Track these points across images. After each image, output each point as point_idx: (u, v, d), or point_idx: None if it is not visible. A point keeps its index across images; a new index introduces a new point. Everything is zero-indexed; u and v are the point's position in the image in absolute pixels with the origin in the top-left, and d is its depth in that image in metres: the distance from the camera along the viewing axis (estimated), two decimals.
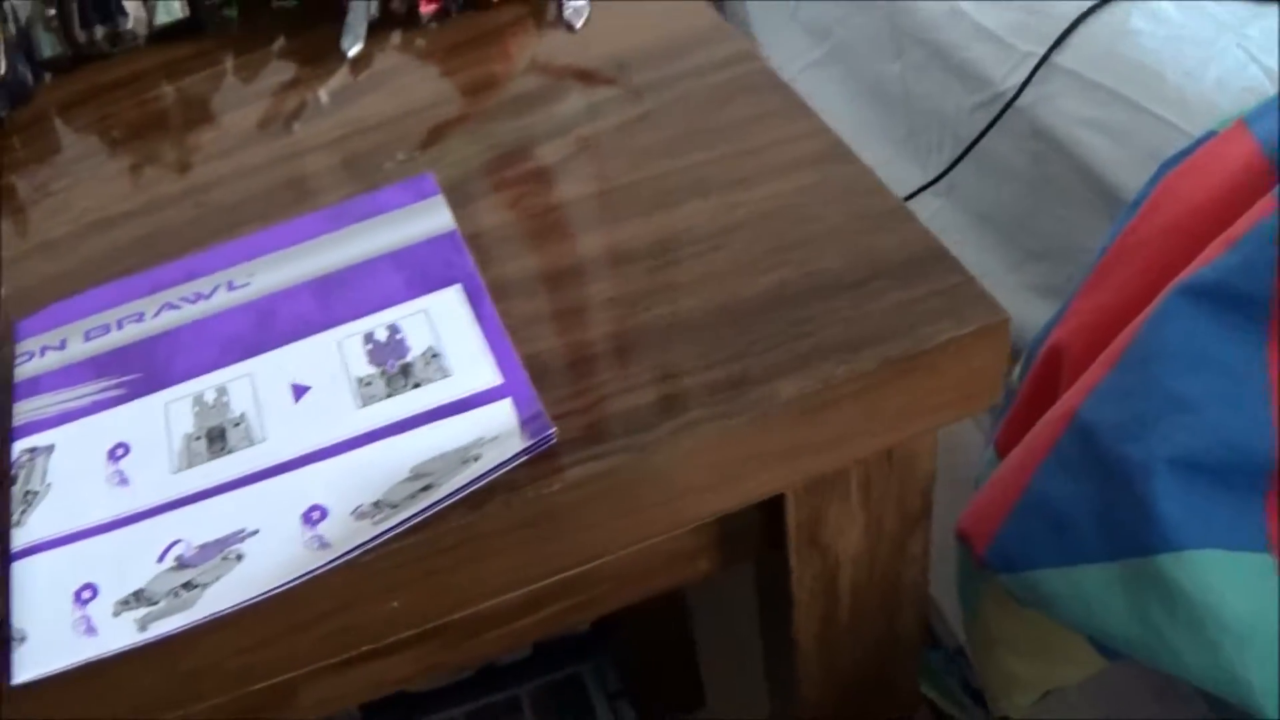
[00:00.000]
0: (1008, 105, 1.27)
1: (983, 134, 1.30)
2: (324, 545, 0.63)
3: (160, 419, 0.72)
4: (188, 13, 1.05)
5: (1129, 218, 1.08)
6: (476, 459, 0.65)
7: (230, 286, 0.79)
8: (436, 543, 0.65)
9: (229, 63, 1.03)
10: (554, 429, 0.66)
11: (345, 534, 0.64)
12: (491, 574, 0.68)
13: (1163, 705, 0.99)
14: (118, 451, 0.71)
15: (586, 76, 0.93)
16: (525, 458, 0.66)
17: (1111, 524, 0.93)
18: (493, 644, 0.78)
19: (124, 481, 0.69)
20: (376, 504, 0.65)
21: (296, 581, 0.63)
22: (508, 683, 1.77)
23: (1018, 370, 1.11)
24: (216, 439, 0.70)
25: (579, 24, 0.98)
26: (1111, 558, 0.93)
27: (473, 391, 0.70)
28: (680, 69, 0.93)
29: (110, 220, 0.89)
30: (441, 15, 1.01)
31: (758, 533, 0.81)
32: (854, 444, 0.73)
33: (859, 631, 0.90)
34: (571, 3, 0.99)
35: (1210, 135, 1.08)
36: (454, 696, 1.76)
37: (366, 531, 0.63)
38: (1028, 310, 1.30)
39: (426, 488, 0.65)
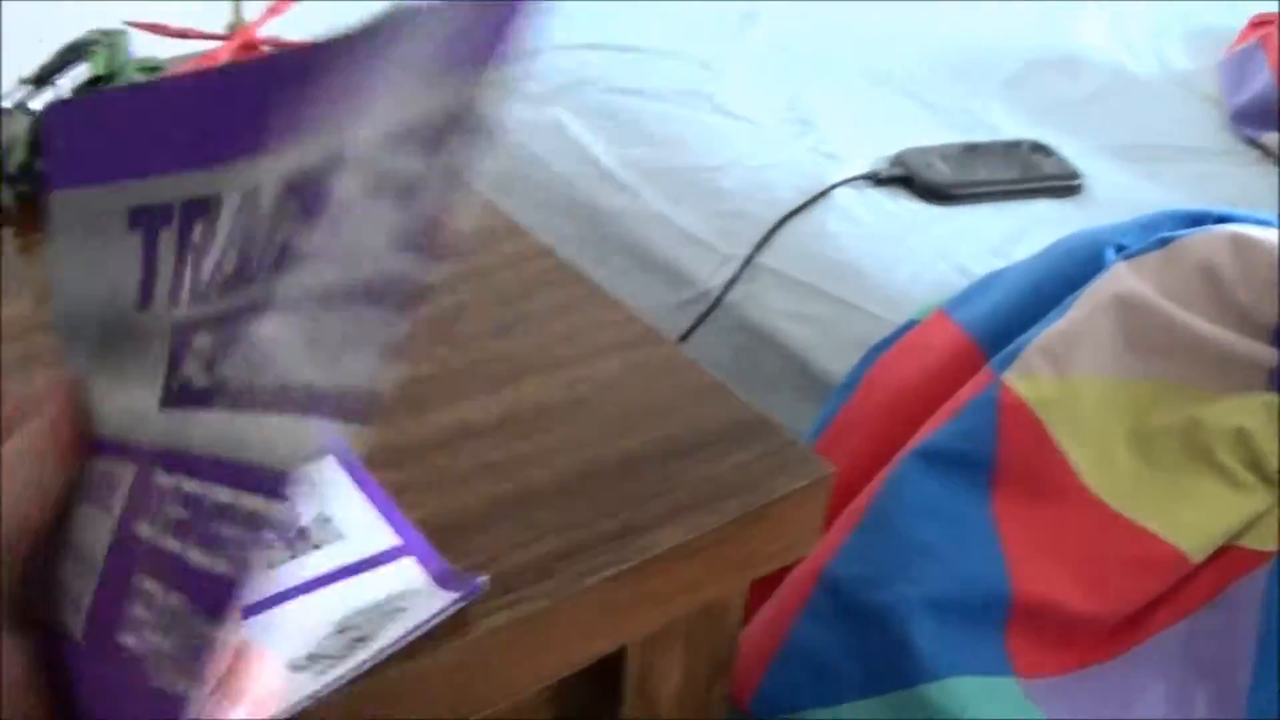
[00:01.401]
0: (715, 302, 1.38)
1: (691, 330, 1.40)
2: None
3: None
4: None
5: (843, 399, 1.21)
6: (403, 611, 0.72)
7: None
8: (376, 689, 0.69)
9: (7, 245, 1.05)
10: (483, 579, 0.73)
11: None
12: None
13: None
14: None
15: None
16: (456, 608, 0.72)
17: (872, 663, 1.04)
18: None
19: None
20: (310, 656, 0.68)
21: None
22: None
23: None
24: None
25: None
26: (876, 693, 1.04)
27: (375, 551, 0.75)
28: (486, 263, 1.01)
29: None
30: None
31: (588, 684, 0.86)
32: (702, 592, 0.82)
33: None
34: None
35: (912, 324, 1.23)
36: None
37: (310, 683, 0.67)
38: None
39: (361, 639, 0.70)
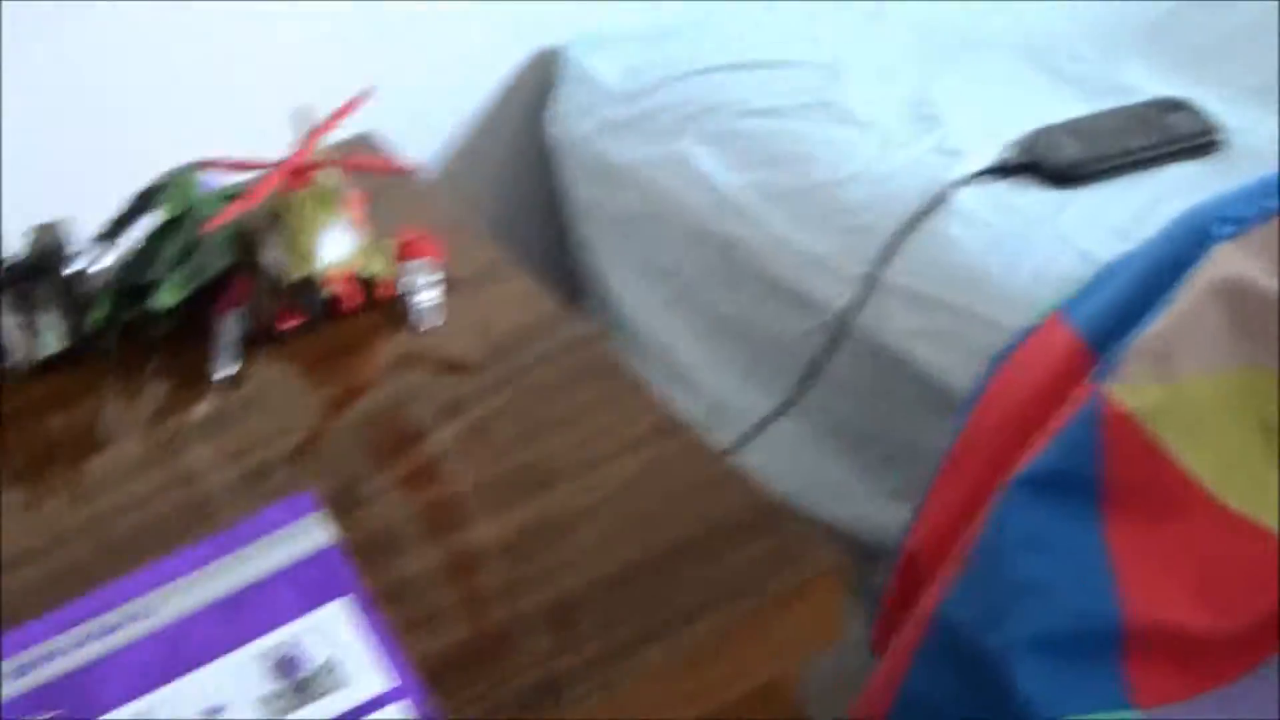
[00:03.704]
0: (841, 328, 1.34)
1: (821, 358, 1.37)
2: None
3: None
4: (67, 344, 1.11)
5: (964, 417, 1.16)
6: None
7: (137, 617, 0.84)
8: None
9: (111, 390, 1.08)
10: None
11: None
12: None
13: None
14: None
15: (452, 369, 1.01)
16: None
17: (984, 711, 0.99)
18: None
19: None
20: None
21: None
22: None
23: (880, 575, 1.17)
24: None
25: (429, 323, 1.06)
26: None
27: (372, 696, 0.76)
28: (529, 357, 1.02)
29: (17, 559, 0.93)
30: (303, 330, 1.08)
31: None
32: (724, 691, 0.80)
33: None
34: (420, 305, 1.07)
35: (1031, 329, 1.16)
36: None
37: None
38: (883, 515, 1.37)
39: None
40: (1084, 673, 0.98)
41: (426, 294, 1.08)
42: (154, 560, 0.88)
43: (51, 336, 1.10)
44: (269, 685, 0.78)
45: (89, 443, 1.03)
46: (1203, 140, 1.38)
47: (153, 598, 0.86)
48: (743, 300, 1.50)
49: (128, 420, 1.05)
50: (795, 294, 1.42)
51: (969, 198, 1.35)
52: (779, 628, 0.80)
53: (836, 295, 1.37)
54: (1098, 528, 1.00)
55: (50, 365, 1.11)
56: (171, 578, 0.87)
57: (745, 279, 1.48)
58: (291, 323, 1.07)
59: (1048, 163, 1.36)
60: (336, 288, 1.07)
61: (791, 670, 0.87)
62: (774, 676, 0.85)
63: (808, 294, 1.40)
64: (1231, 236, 1.06)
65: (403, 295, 1.09)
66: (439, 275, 1.09)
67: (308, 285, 1.06)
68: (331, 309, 1.08)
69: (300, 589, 0.84)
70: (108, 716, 0.79)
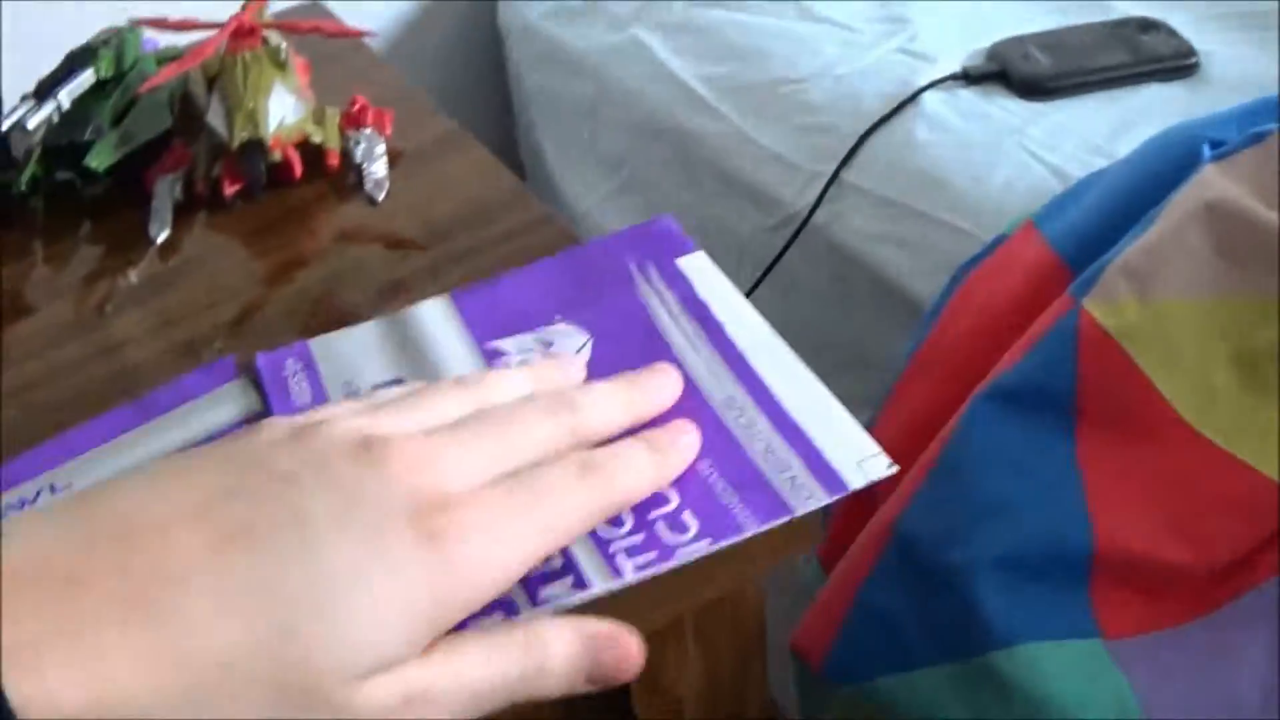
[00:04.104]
0: (801, 226, 1.31)
1: (779, 256, 1.33)
2: None
3: None
4: None
5: (929, 325, 1.12)
6: None
7: (52, 489, 0.79)
8: None
9: (38, 254, 1.02)
10: None
11: None
12: None
13: None
14: None
15: (399, 246, 0.95)
16: None
17: (941, 628, 0.96)
18: None
19: None
20: None
21: None
22: None
23: None
24: None
25: (380, 196, 1.00)
26: (945, 660, 0.96)
27: None
28: (488, 235, 0.94)
29: None
30: (246, 195, 1.02)
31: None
32: (688, 598, 0.75)
33: None
34: (372, 175, 1.01)
35: (1002, 238, 1.12)
36: None
37: None
38: None
39: None
40: (1050, 599, 0.94)
41: (374, 165, 1.02)
42: (73, 429, 0.82)
43: None
44: None
45: (13, 307, 0.97)
46: (1178, 63, 1.35)
47: (71, 466, 0.80)
48: (697, 196, 1.46)
49: (55, 285, 0.99)
50: (752, 191, 1.38)
51: (936, 102, 1.32)
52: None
53: (795, 194, 1.33)
54: (1070, 449, 0.96)
55: None
56: (89, 446, 0.81)
57: (700, 174, 1.44)
58: (232, 189, 1.01)
59: (1018, 73, 1.33)
60: (281, 154, 1.01)
61: (758, 580, 0.82)
62: (739, 585, 0.81)
63: (767, 191, 1.36)
64: (1218, 159, 1.02)
65: (349, 165, 1.03)
66: (386, 147, 1.03)
67: (251, 150, 1.00)
68: (274, 176, 1.02)
69: None
70: None
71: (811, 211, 1.30)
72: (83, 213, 1.05)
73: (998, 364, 1.02)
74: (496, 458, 0.58)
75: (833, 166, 1.30)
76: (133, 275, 0.97)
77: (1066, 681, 0.91)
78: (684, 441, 0.66)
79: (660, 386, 0.69)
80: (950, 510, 0.98)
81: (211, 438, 0.78)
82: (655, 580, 0.65)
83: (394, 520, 0.52)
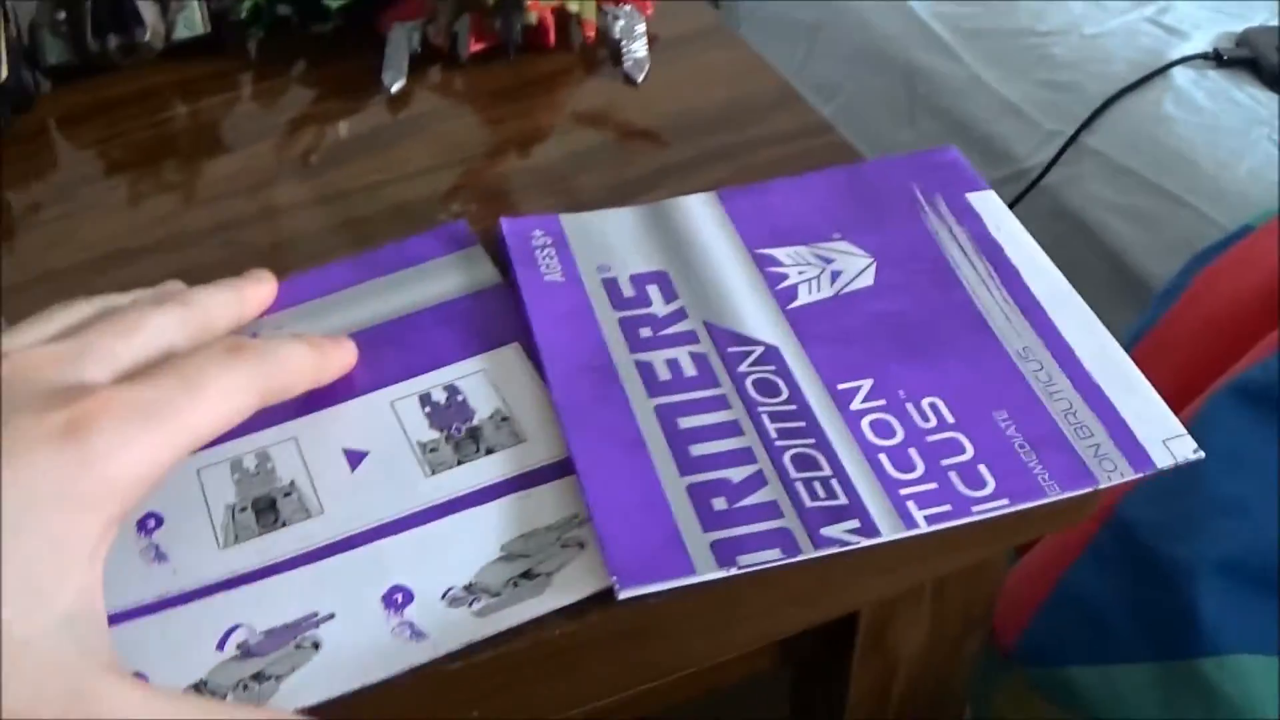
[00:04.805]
0: (1033, 184, 1.25)
1: None
2: (418, 634, 0.57)
3: (195, 487, 0.64)
4: (209, 28, 0.99)
5: (1164, 308, 1.07)
6: (580, 546, 0.60)
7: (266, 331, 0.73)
8: (533, 651, 0.58)
9: (250, 88, 0.97)
10: None
11: (440, 623, 0.57)
12: (580, 685, 0.62)
13: None
14: (149, 523, 0.63)
15: (651, 137, 0.89)
16: None
17: (1151, 624, 0.91)
18: None
19: (160, 557, 0.62)
20: (469, 587, 0.58)
21: (395, 674, 0.56)
22: None
23: None
24: (266, 510, 0.63)
25: (640, 77, 0.94)
26: (1150, 658, 0.91)
27: (554, 459, 0.64)
28: (751, 136, 0.87)
29: (129, 254, 0.81)
30: (491, 55, 0.96)
31: (815, 634, 0.76)
32: (941, 561, 0.70)
33: None
34: (632, 53, 0.95)
35: (1246, 230, 1.07)
36: None
37: (470, 625, 0.56)
38: None
39: (526, 573, 0.59)
40: (1270, 610, 0.89)
41: (634, 44, 0.96)
42: (289, 277, 0.76)
43: (195, 16, 0.99)
44: (425, 433, 0.66)
45: (220, 142, 0.92)
46: None
47: (277, 318, 0.73)
48: (914, 136, 1.41)
49: (266, 123, 0.93)
50: (984, 141, 1.33)
51: (1185, 79, 1.26)
52: None
53: (1029, 150, 1.28)
54: None
55: (185, 50, 0.99)
56: (301, 299, 0.75)
57: (928, 113, 1.39)
58: (478, 46, 0.95)
59: (1269, 65, 1.27)
60: (537, 17, 0.95)
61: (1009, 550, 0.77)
62: (995, 553, 0.75)
63: (998, 143, 1.31)
64: None
65: (604, 41, 0.97)
66: (646, 28, 0.97)
67: (509, 7, 0.94)
68: (525, 39, 0.96)
69: (458, 328, 0.71)
70: (218, 448, 0.66)
71: (1045, 169, 1.24)
72: (304, 50, 0.99)
73: (1240, 360, 0.97)
74: (120, 354, 0.55)
75: (1073, 127, 1.25)
76: (355, 124, 0.92)
77: (1275, 702, 0.87)
78: (345, 345, 0.66)
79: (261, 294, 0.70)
80: (1178, 502, 0.93)
81: (439, 309, 0.73)
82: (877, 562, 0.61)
83: (18, 418, 0.49)
